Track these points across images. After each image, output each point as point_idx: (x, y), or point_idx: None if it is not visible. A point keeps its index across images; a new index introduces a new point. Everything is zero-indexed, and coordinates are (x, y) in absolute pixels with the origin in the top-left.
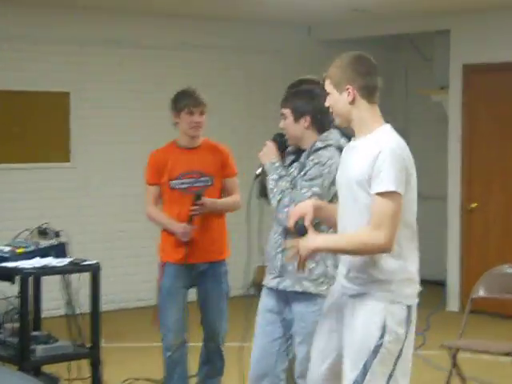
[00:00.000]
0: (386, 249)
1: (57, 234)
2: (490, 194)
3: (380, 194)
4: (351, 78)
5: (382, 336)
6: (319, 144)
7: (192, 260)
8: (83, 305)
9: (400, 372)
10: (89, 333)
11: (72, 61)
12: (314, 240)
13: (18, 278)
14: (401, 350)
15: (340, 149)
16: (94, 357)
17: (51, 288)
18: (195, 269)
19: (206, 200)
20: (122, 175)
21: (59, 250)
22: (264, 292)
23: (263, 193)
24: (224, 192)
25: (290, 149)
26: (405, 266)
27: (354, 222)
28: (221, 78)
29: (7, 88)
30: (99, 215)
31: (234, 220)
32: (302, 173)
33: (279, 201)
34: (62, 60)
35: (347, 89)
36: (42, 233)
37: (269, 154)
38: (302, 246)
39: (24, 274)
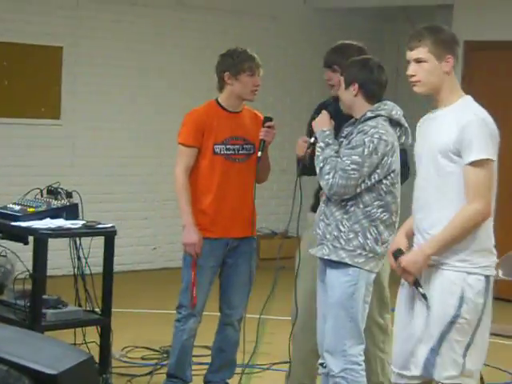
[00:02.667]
0: (485, 216)
1: (69, 195)
2: None
3: (473, 164)
4: (452, 49)
5: (459, 306)
6: (369, 114)
7: (226, 235)
8: (91, 266)
9: (480, 339)
10: (95, 295)
11: (67, 15)
12: (420, 252)
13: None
14: (479, 320)
15: (391, 120)
16: (104, 324)
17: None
18: (229, 244)
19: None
20: (112, 135)
21: (71, 211)
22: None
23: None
24: None
25: (349, 122)
26: (480, 236)
27: (438, 191)
28: (217, 40)
29: None
30: (89, 175)
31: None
32: (347, 141)
33: (321, 168)
34: (56, 13)
35: (448, 58)
36: (52, 192)
37: (322, 122)
38: (410, 264)
39: (40, 235)
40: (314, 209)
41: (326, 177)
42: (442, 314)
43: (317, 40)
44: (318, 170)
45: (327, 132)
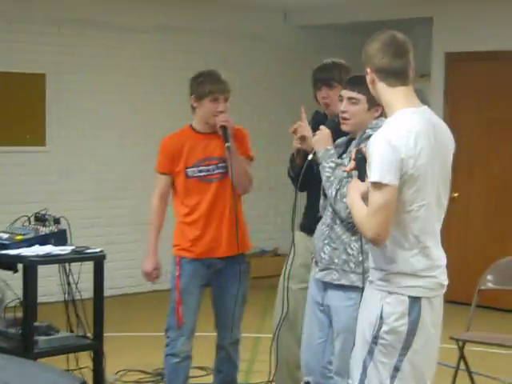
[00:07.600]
0: (371, 240)
1: (56, 221)
2: (472, 183)
3: (371, 184)
4: (370, 58)
5: (379, 326)
6: (370, 131)
7: (209, 255)
8: (82, 291)
9: (410, 366)
10: (87, 320)
11: (49, 42)
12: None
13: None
14: (406, 342)
15: None
16: (96, 349)
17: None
18: (213, 266)
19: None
20: (97, 160)
21: (59, 238)
22: (311, 283)
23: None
24: None
25: (338, 141)
26: (407, 258)
27: None
28: (197, 61)
29: None
30: (76, 200)
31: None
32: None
33: (338, 190)
34: (38, 41)
35: (368, 70)
36: (40, 219)
37: (324, 140)
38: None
39: (29, 262)
40: (303, 228)
41: (345, 200)
42: (366, 332)
43: (299, 57)
44: (331, 193)
45: (332, 151)
